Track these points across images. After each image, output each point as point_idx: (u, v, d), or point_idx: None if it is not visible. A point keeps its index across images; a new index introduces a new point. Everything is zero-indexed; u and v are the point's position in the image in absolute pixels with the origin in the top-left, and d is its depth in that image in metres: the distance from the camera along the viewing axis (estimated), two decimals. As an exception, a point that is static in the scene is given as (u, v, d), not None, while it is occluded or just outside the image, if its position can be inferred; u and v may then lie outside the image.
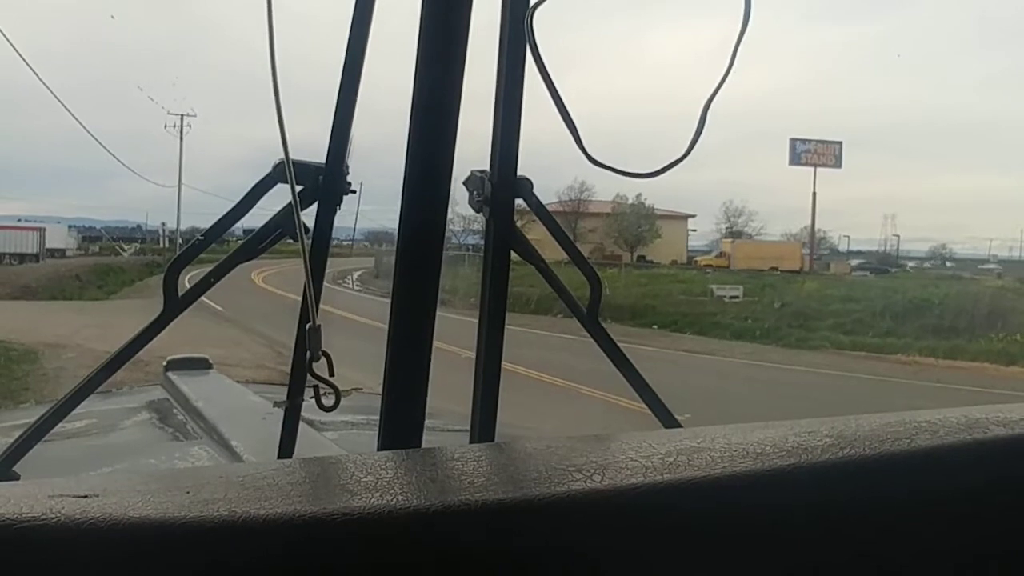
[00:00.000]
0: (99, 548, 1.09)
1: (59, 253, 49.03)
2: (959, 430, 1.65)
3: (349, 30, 1.90)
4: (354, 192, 1.97)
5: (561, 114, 1.77)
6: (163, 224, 52.02)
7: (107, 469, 2.93)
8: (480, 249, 2.17)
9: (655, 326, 32.10)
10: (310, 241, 1.91)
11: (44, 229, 48.22)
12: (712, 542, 1.42)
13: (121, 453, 3.34)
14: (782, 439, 1.57)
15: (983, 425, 1.68)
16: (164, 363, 4.25)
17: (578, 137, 1.79)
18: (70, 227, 54.90)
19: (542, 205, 2.12)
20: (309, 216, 1.91)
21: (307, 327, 1.84)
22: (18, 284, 35.92)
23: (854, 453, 1.52)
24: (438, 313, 1.98)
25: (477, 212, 2.10)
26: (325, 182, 1.92)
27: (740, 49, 1.81)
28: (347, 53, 1.90)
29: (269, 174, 1.87)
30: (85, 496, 1.17)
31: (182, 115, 44.48)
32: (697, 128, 1.82)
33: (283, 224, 1.88)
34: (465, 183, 2.09)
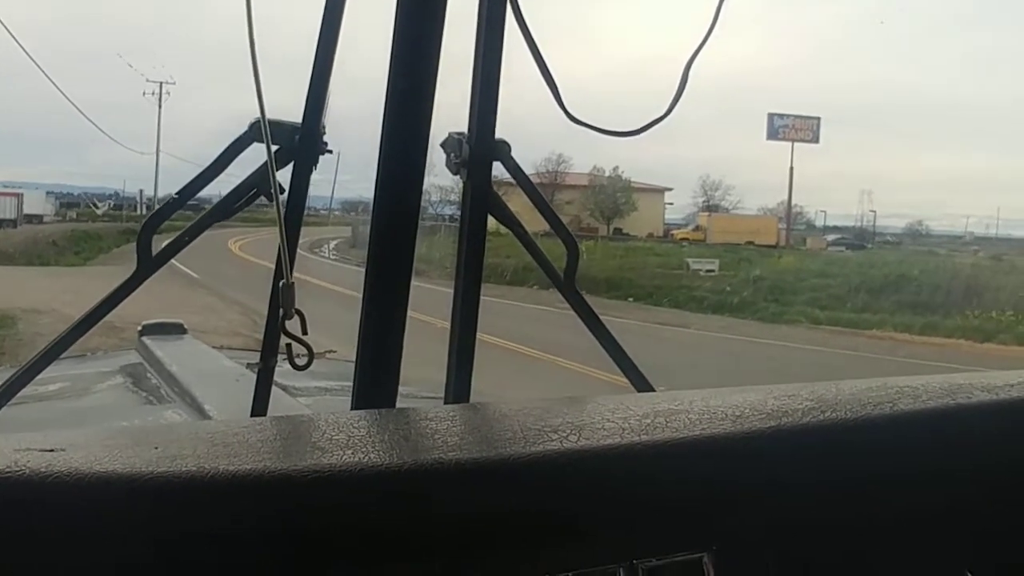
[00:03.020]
0: (65, 501, 1.08)
1: (36, 219, 48.70)
2: (942, 395, 1.66)
3: None
4: (331, 152, 1.95)
5: (541, 70, 1.77)
6: (140, 191, 51.70)
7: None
8: (457, 220, 2.16)
9: (631, 298, 32.11)
10: (286, 201, 1.89)
11: (22, 195, 47.85)
12: (690, 504, 1.42)
13: (94, 416, 3.33)
14: (761, 403, 1.57)
15: (967, 390, 1.69)
16: (139, 328, 4.23)
17: (558, 94, 1.78)
18: (48, 193, 54.54)
19: (520, 169, 2.10)
20: (285, 177, 1.89)
21: (280, 284, 1.83)
22: (-5, 249, 35.74)
23: (835, 417, 1.52)
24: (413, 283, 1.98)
25: (455, 175, 2.08)
26: (301, 141, 1.90)
27: (720, 19, 1.81)
28: (324, 11, 1.88)
29: (245, 133, 1.85)
30: (51, 450, 1.16)
31: (161, 82, 44.19)
32: (678, 89, 1.81)
33: (259, 183, 1.86)
34: (442, 145, 2.08)
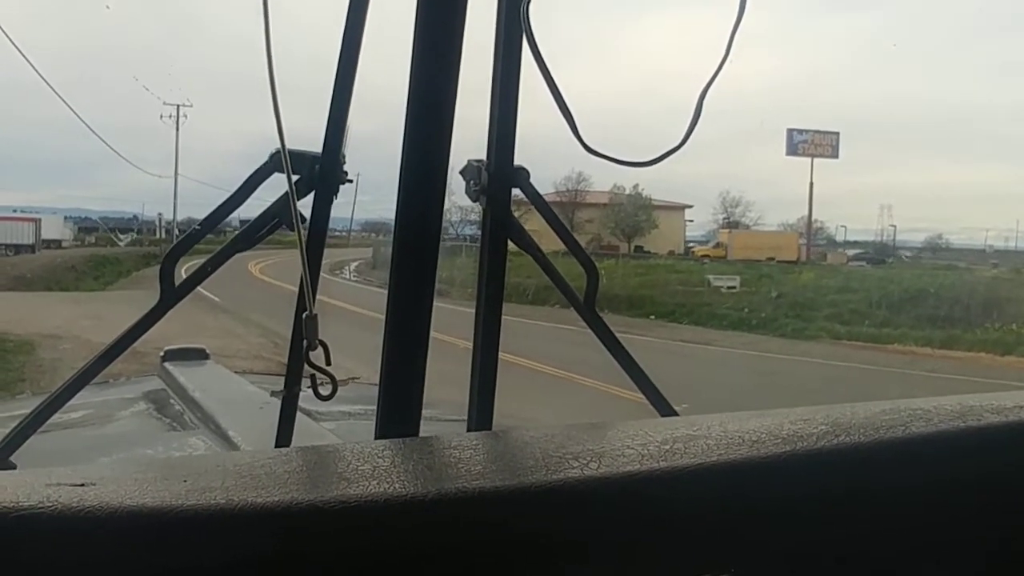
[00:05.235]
0: (96, 536, 1.09)
1: (55, 244, 48.82)
2: (953, 417, 1.66)
3: (345, 18, 1.89)
4: (351, 181, 1.96)
5: (557, 102, 1.77)
6: (159, 215, 51.78)
7: (104, 459, 2.93)
8: (478, 240, 2.17)
9: (653, 316, 32.05)
10: (307, 230, 1.91)
11: (40, 220, 47.91)
12: (708, 530, 1.42)
13: (118, 443, 3.34)
14: (778, 427, 1.57)
15: (977, 412, 1.69)
16: (161, 353, 4.23)
17: (574, 125, 1.79)
18: (66, 218, 54.66)
19: (539, 194, 2.11)
20: (306, 206, 1.91)
21: (304, 316, 1.84)
22: (13, 275, 35.77)
23: (849, 440, 1.53)
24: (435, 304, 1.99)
25: (474, 201, 2.09)
26: (322, 171, 1.91)
27: (737, 38, 1.81)
28: (343, 41, 1.89)
29: (265, 163, 1.87)
30: (82, 484, 1.17)
31: (178, 105, 44.32)
32: (693, 117, 1.82)
33: (280, 213, 1.87)
34: (462, 172, 2.09)
